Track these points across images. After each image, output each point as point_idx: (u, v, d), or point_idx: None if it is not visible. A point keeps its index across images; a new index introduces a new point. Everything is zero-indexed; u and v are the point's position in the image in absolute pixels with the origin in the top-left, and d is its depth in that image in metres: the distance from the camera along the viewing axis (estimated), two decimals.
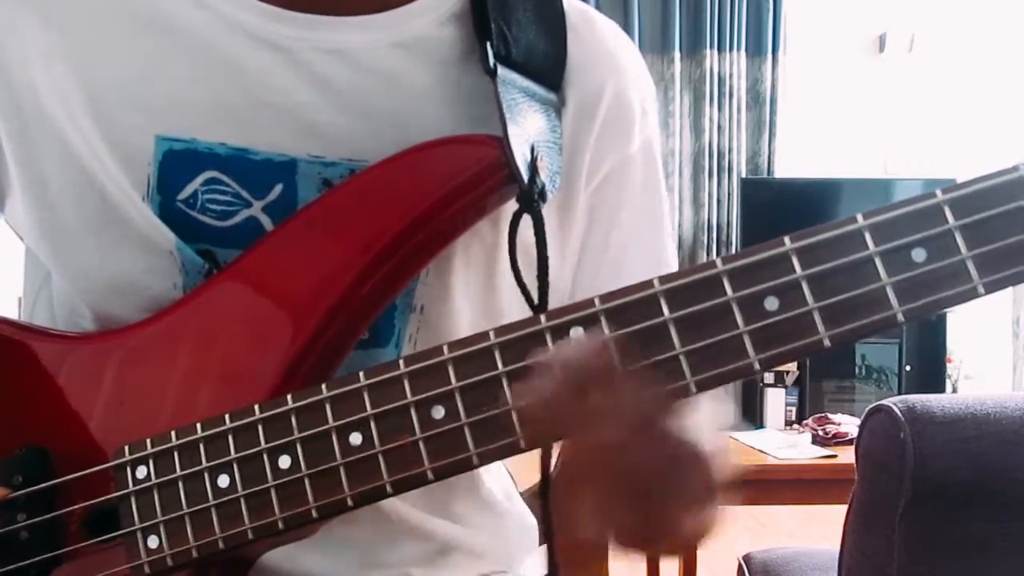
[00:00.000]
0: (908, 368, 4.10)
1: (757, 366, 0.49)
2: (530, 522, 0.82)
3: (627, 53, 0.75)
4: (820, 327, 0.48)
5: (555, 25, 0.69)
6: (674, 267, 0.78)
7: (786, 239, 0.49)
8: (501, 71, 0.63)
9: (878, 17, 4.58)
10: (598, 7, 4.26)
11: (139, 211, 0.63)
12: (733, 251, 4.50)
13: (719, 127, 4.53)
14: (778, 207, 4.29)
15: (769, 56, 4.52)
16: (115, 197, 0.63)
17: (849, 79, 4.58)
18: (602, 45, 0.73)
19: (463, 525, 0.76)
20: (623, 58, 0.74)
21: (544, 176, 0.61)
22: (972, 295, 0.47)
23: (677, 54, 4.45)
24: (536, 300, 0.63)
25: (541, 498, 0.68)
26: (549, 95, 0.67)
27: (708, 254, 4.55)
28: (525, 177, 0.60)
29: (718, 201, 4.55)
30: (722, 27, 4.48)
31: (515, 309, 0.66)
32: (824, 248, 0.49)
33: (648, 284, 0.51)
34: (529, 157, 0.61)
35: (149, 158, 0.63)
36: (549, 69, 0.68)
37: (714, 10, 4.48)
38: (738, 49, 4.51)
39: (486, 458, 0.52)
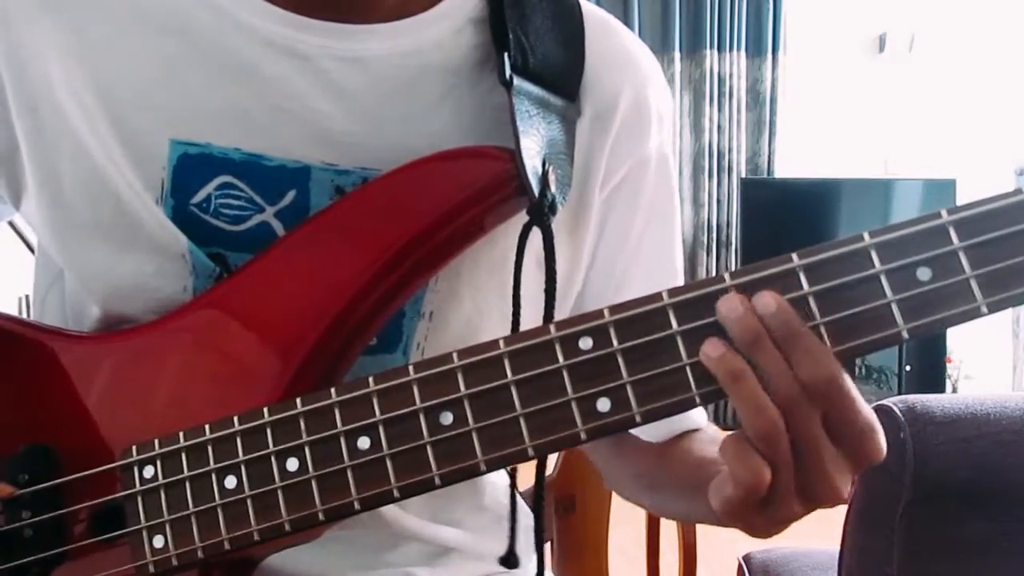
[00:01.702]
0: (908, 368, 4.11)
1: None
2: (530, 522, 0.82)
3: (645, 59, 0.74)
4: (826, 343, 0.49)
5: (573, 33, 0.69)
6: (680, 271, 0.78)
7: (794, 255, 0.50)
8: (516, 82, 0.63)
9: (878, 17, 4.58)
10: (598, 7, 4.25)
11: (152, 214, 0.63)
12: (733, 250, 4.51)
13: (719, 127, 4.53)
14: (778, 207, 4.30)
15: (769, 56, 4.52)
16: (128, 199, 0.63)
17: (849, 79, 4.58)
18: (620, 51, 0.72)
19: (464, 528, 0.77)
20: (641, 64, 0.73)
21: (554, 189, 0.61)
22: (976, 314, 0.48)
23: (677, 54, 4.45)
24: (544, 311, 0.63)
25: (536, 499, 0.68)
26: (564, 105, 0.66)
27: (708, 254, 4.55)
28: (536, 190, 0.60)
29: (718, 201, 4.56)
30: (722, 27, 4.48)
31: (527, 317, 0.65)
32: (831, 265, 0.50)
33: (657, 297, 0.51)
34: (540, 170, 0.61)
35: (164, 161, 0.63)
36: (565, 78, 0.67)
37: (714, 10, 4.48)
38: (738, 49, 4.50)
39: (493, 465, 0.52)
